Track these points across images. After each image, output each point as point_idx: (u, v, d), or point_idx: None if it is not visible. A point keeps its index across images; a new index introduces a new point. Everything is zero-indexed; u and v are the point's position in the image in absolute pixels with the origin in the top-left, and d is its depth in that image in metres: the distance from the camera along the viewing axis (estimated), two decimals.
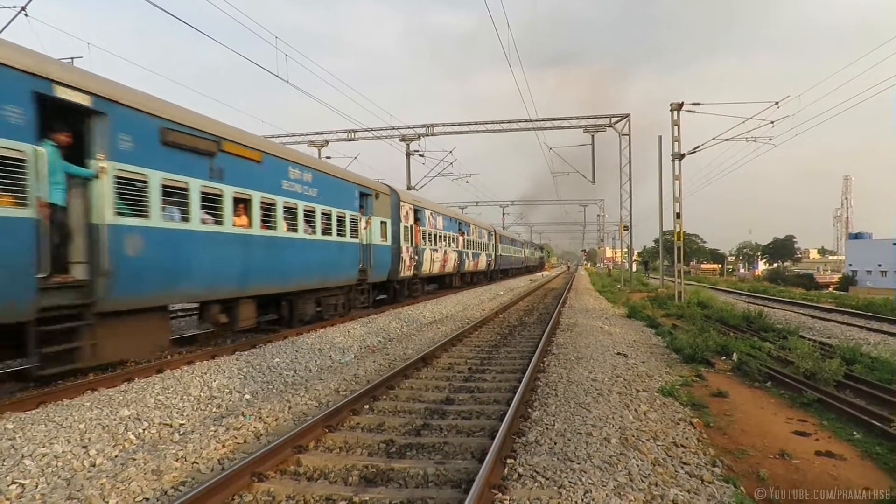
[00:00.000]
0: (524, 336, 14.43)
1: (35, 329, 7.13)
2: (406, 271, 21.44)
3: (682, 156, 25.13)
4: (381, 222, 18.78)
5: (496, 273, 44.18)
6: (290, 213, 12.95)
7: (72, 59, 16.63)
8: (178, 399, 7.57)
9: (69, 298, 7.65)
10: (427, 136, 33.01)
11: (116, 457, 5.72)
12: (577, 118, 31.48)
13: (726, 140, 24.46)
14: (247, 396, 8.24)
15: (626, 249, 51.14)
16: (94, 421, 6.43)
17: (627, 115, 31.83)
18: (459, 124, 32.76)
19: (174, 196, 9.44)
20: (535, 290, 34.56)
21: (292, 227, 13.01)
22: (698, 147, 25.49)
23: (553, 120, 31.82)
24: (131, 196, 8.45)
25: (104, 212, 7.98)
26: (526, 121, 31.62)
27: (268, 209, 12.09)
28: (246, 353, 10.68)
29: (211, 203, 10.27)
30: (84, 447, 5.77)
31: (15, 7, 13.61)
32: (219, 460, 5.66)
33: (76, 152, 7.89)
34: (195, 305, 13.28)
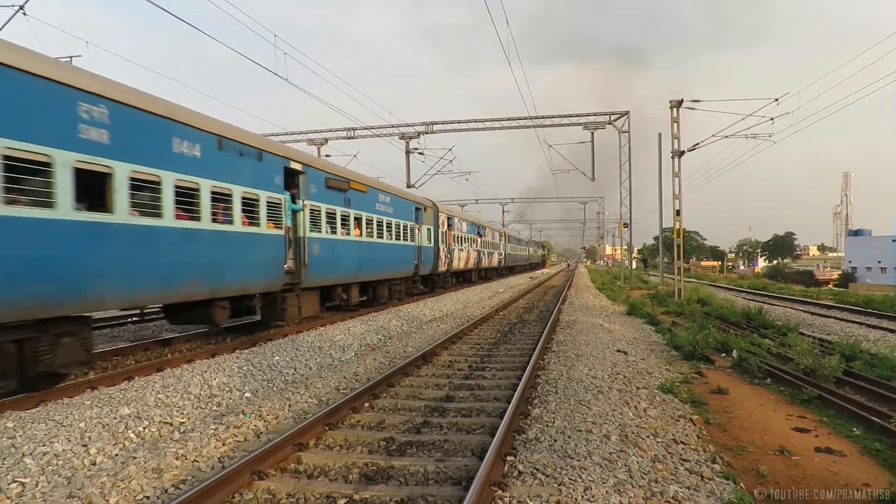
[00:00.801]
0: (524, 333, 14.43)
1: (281, 295, 12.94)
2: (442, 267, 27.09)
3: (682, 153, 25.12)
4: (427, 229, 24.53)
5: (505, 269, 49.24)
6: (380, 225, 18.81)
7: (70, 58, 16.61)
8: (178, 397, 7.58)
9: (291, 279, 13.10)
10: (426, 133, 32.99)
11: (117, 455, 5.73)
12: (577, 115, 31.46)
13: (726, 137, 24.44)
14: (247, 395, 8.25)
15: (625, 247, 51.16)
16: (95, 419, 6.43)
17: (627, 113, 31.82)
18: (459, 122, 32.75)
19: (331, 218, 15.22)
20: (535, 288, 34.56)
21: (380, 235, 18.75)
22: (698, 144, 25.47)
23: (552, 117, 31.80)
24: (314, 219, 14.14)
25: (305, 229, 13.61)
26: (525, 118, 31.60)
27: (369, 223, 17.87)
28: (246, 351, 10.69)
29: (345, 220, 16.03)
30: (84, 446, 5.78)
31: (13, 6, 13.59)
32: (219, 458, 5.67)
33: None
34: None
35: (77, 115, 7.62)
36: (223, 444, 6.02)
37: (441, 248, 26.49)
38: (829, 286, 59.82)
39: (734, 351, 11.44)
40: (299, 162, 13.61)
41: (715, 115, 24.48)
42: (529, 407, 7.29)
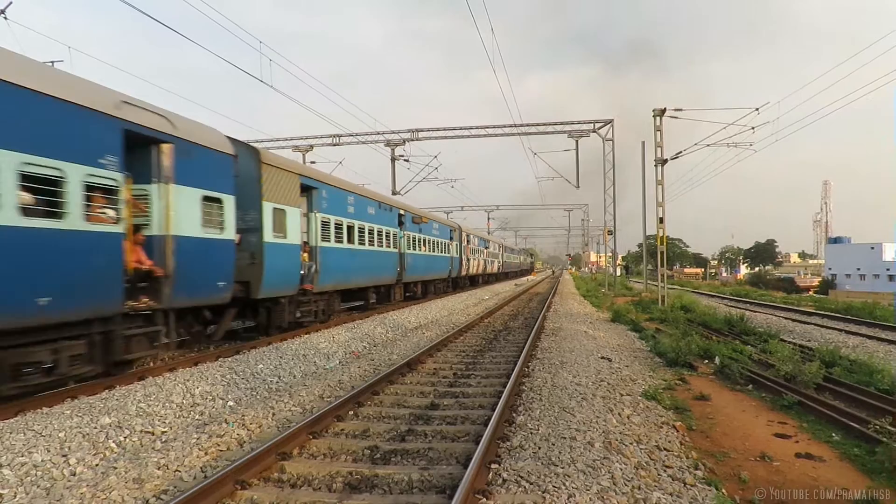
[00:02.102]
0: (509, 341, 14.47)
1: (392, 287, 23.08)
2: (464, 272, 37.36)
3: (665, 161, 25.40)
4: (456, 245, 34.35)
5: (502, 275, 58.82)
6: (433, 244, 28.13)
7: (52, 62, 16.45)
8: (160, 406, 7.49)
9: (398, 277, 22.96)
10: (412, 140, 33.02)
11: (97, 465, 5.66)
12: (562, 123, 31.65)
13: (708, 146, 24.77)
14: (230, 403, 8.18)
15: (610, 254, 51.48)
16: (75, 429, 6.34)
17: (611, 121, 32.09)
18: (444, 129, 32.82)
19: (413, 241, 24.73)
20: (520, 295, 34.67)
21: (431, 249, 28.01)
22: (680, 152, 25.78)
23: (537, 125, 31.98)
24: (408, 242, 23.67)
25: (405, 248, 23.37)
26: (510, 126, 31.75)
27: (428, 243, 27.38)
28: (229, 359, 10.60)
29: (421, 242, 26.01)
30: (64, 456, 5.70)
31: None
32: (201, 468, 5.61)
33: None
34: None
35: (435, 227, 28.76)
36: (206, 454, 5.96)
37: (462, 258, 36.44)
38: (810, 293, 60.60)
39: (716, 357, 11.55)
40: (406, 210, 24.47)
41: (701, 123, 24.79)
42: (514, 414, 7.31)
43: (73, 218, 7.69)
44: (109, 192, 8.41)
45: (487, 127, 32.58)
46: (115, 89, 8.96)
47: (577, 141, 31.87)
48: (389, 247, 21.38)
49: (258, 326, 13.59)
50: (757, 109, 22.57)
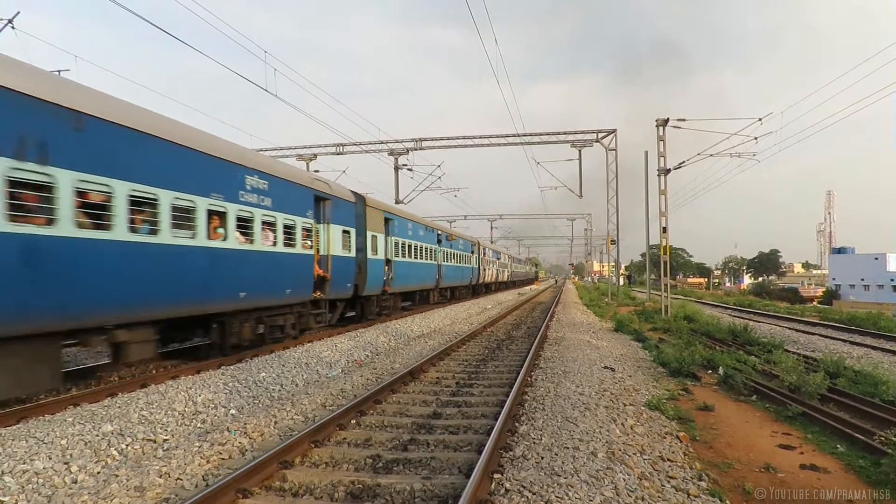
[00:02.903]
0: (512, 350, 14.44)
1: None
2: (482, 280, 43.23)
3: (668, 171, 25.41)
4: (475, 257, 40.57)
5: (510, 283, 65.43)
6: (459, 257, 34.02)
7: (59, 71, 16.58)
8: (162, 414, 7.49)
9: (437, 284, 28.81)
10: (415, 150, 33.10)
11: (99, 473, 5.64)
12: (565, 133, 31.70)
13: (711, 156, 24.78)
14: (232, 411, 8.17)
15: (612, 264, 51.43)
16: (77, 437, 6.34)
17: (614, 131, 32.13)
18: (448, 138, 32.89)
19: (447, 255, 31.02)
20: (523, 304, 34.63)
21: (458, 261, 33.91)
22: (683, 162, 25.79)
23: (540, 135, 32.03)
24: (444, 256, 30.23)
25: (442, 260, 29.59)
26: (514, 136, 31.82)
27: (457, 256, 33.44)
28: (232, 367, 10.60)
29: (451, 255, 31.40)
30: (66, 463, 5.69)
31: (2, 19, 13.58)
32: (203, 476, 5.60)
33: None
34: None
35: (461, 243, 35.59)
36: (207, 462, 5.95)
37: (480, 267, 42.04)
38: (814, 303, 60.43)
39: (720, 368, 11.50)
40: (442, 231, 30.43)
41: (703, 133, 24.83)
42: (517, 424, 7.28)
43: (298, 246, 13.44)
44: (308, 231, 14.17)
45: (491, 136, 32.66)
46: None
47: (580, 151, 31.92)
48: (431, 260, 27.51)
49: (355, 316, 19.26)
50: (760, 120, 22.60)
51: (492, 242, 65.79)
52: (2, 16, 13.59)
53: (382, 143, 33.24)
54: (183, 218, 9.61)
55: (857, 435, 7.29)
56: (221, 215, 10.72)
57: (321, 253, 15.12)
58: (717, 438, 7.42)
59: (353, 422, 7.53)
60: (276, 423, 7.50)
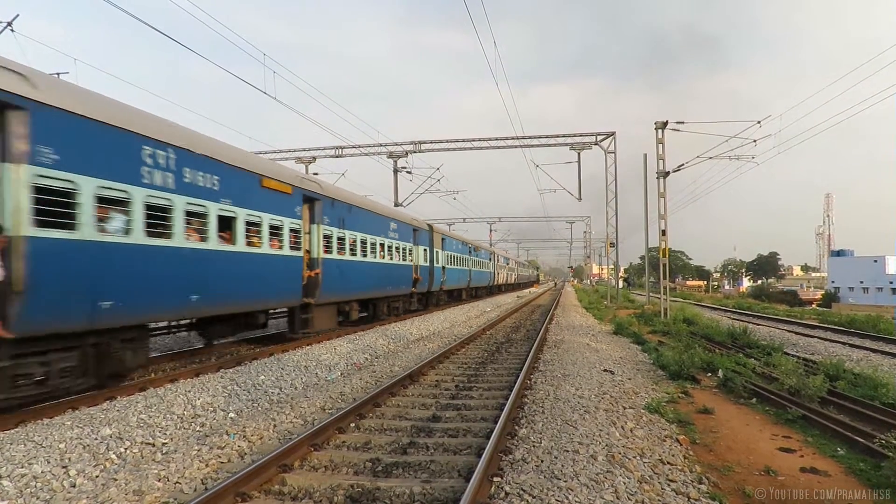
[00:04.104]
0: (511, 353, 14.42)
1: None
2: (494, 282, 50.37)
3: (667, 173, 25.43)
4: (491, 262, 47.77)
5: (517, 285, 73.53)
6: (481, 264, 42.21)
7: (58, 74, 16.57)
8: (161, 418, 7.47)
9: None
10: (414, 152, 33.13)
11: (97, 477, 5.62)
12: (564, 136, 31.75)
13: (710, 158, 24.81)
14: (231, 415, 8.15)
15: (612, 266, 51.46)
16: (75, 440, 6.32)
17: (613, 133, 32.17)
18: (447, 141, 32.93)
19: (475, 263, 39.98)
20: (523, 307, 34.61)
21: (481, 267, 42.14)
22: (682, 165, 25.82)
23: (539, 137, 32.08)
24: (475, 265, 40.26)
25: (471, 267, 38.58)
26: (513, 138, 31.86)
27: (478, 263, 41.00)
28: (231, 370, 10.57)
29: (479, 263, 41.48)
30: (64, 467, 5.67)
31: (1, 22, 13.58)
32: (202, 480, 5.59)
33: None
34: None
35: (483, 253, 45.89)
36: (206, 466, 5.94)
37: (495, 272, 50.34)
38: (813, 306, 60.44)
39: (720, 371, 11.49)
40: (470, 243, 37.99)
41: (702, 136, 24.87)
42: (516, 427, 7.27)
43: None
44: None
45: (490, 139, 32.70)
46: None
47: (579, 153, 31.97)
48: (464, 266, 35.48)
49: (423, 307, 27.06)
50: (759, 122, 22.64)
51: (491, 245, 65.95)
52: (1, 18, 13.57)
53: (381, 145, 33.27)
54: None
55: (857, 438, 7.28)
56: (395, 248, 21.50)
57: (415, 264, 24.08)
58: (717, 441, 7.40)
59: (353, 425, 7.52)
60: (275, 426, 7.48)
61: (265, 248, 12.26)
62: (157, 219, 9.13)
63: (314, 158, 34.29)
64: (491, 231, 77.80)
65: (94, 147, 7.96)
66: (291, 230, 13.41)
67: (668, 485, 5.52)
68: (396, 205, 33.92)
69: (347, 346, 14.18)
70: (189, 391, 8.74)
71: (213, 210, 10.51)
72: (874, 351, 15.68)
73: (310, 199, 14.73)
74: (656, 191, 25.70)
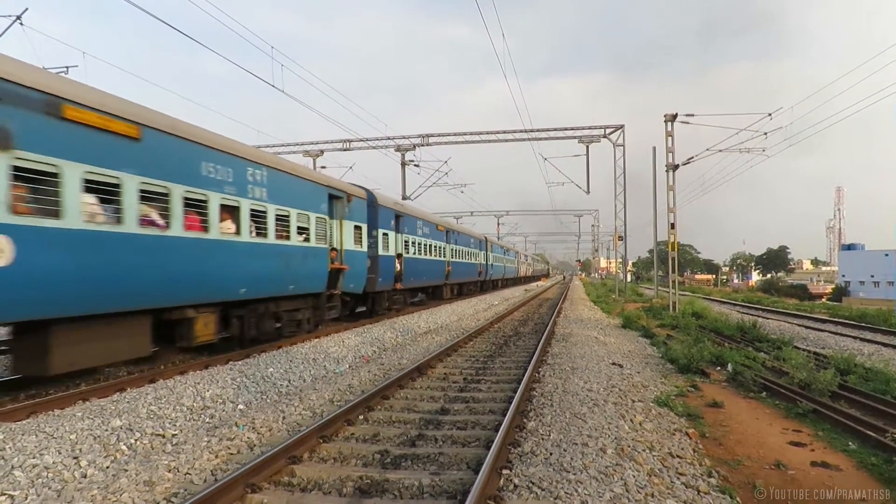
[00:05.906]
0: (519, 346, 14.40)
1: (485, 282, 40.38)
2: (517, 275, 62.90)
3: (676, 167, 25.27)
4: (515, 259, 61.82)
5: (533, 277, 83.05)
6: (511, 262, 59.01)
7: (66, 68, 16.62)
8: (170, 409, 7.51)
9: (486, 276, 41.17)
10: (422, 146, 33.08)
11: (108, 468, 5.66)
12: (572, 129, 31.61)
13: (720, 151, 24.62)
14: (240, 406, 8.19)
15: (620, 260, 51.30)
16: (86, 431, 6.36)
17: (622, 126, 32.00)
18: (454, 134, 32.85)
19: (500, 259, 49.86)
20: (530, 300, 34.55)
21: (513, 264, 59.70)
22: (692, 158, 25.64)
23: (548, 130, 31.95)
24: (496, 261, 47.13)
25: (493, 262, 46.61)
26: (521, 131, 31.75)
27: (510, 261, 57.02)
28: (240, 362, 10.62)
29: (509, 262, 55.93)
30: (75, 458, 5.71)
31: (10, 16, 13.62)
32: (212, 471, 5.61)
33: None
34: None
35: (505, 251, 56.21)
36: (216, 457, 5.96)
37: (518, 267, 61.46)
38: (823, 300, 60.03)
39: (729, 364, 11.43)
40: (492, 242, 45.10)
41: (715, 128, 24.68)
42: (525, 420, 7.26)
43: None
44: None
45: (498, 132, 32.61)
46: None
47: (587, 146, 31.82)
48: (478, 260, 38.68)
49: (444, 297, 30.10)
50: (770, 115, 22.44)
51: (498, 239, 65.98)
52: (10, 12, 13.64)
53: (389, 139, 33.25)
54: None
55: (868, 432, 7.22)
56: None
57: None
58: (727, 435, 7.37)
59: (361, 417, 7.53)
60: (284, 418, 7.51)
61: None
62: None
63: (322, 152, 34.32)
64: (499, 224, 77.69)
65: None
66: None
67: (678, 478, 5.49)
68: (404, 198, 33.89)
69: (355, 338, 14.21)
70: (198, 383, 8.78)
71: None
72: (885, 345, 15.55)
73: None
74: (665, 184, 25.56)
